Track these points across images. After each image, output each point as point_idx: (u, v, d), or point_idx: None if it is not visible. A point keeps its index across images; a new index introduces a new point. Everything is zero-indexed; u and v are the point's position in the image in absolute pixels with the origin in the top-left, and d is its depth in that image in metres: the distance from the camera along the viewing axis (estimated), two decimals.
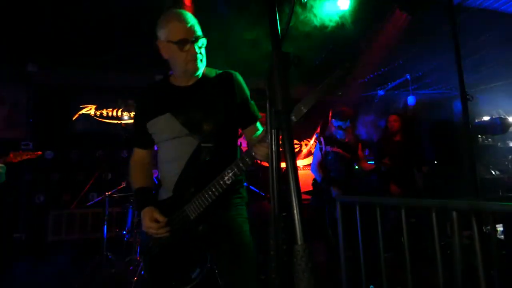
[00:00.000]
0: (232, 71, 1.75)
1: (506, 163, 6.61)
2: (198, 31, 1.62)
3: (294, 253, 0.79)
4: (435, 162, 5.56)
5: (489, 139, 6.93)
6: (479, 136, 6.73)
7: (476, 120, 6.73)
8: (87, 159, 5.27)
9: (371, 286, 2.63)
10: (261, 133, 1.53)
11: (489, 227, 1.92)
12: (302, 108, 1.25)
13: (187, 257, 1.63)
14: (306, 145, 6.79)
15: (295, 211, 0.75)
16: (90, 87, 5.48)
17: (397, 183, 4.08)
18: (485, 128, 6.39)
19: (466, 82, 2.84)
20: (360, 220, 2.43)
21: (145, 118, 1.72)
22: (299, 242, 0.77)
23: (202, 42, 1.64)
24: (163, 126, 1.67)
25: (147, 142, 1.78)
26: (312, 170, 3.90)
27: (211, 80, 1.70)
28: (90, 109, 5.50)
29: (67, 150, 5.26)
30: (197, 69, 1.65)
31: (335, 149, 3.70)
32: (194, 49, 1.59)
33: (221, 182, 1.51)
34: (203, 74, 1.72)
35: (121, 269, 3.83)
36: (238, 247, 1.62)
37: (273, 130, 0.82)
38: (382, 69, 5.54)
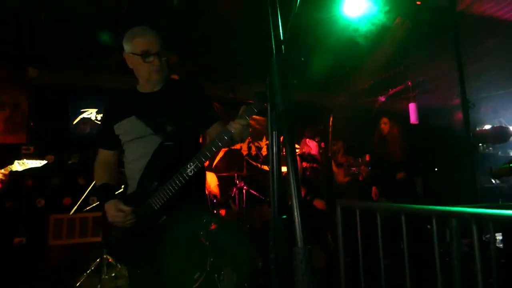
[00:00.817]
0: (193, 79, 1.98)
1: None
2: (160, 45, 1.79)
3: (294, 255, 0.79)
4: (435, 169, 5.55)
5: (490, 148, 6.91)
6: (480, 144, 6.72)
7: (477, 129, 6.73)
8: (88, 163, 5.27)
9: None
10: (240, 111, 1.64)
11: (488, 236, 1.92)
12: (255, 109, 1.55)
13: (154, 246, 1.71)
14: None
15: (296, 213, 0.75)
16: (91, 91, 5.49)
17: (393, 188, 4.15)
18: (486, 136, 6.38)
19: (467, 90, 2.85)
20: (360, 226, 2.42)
21: (112, 121, 1.88)
22: (299, 244, 0.77)
23: (164, 55, 1.81)
24: (129, 128, 1.82)
25: (113, 143, 1.93)
26: None
27: (174, 87, 1.90)
28: (90, 113, 5.51)
29: (67, 154, 5.25)
30: (159, 79, 1.83)
31: (310, 164, 3.93)
32: (157, 61, 1.77)
33: (184, 174, 1.65)
34: (167, 81, 1.90)
35: (122, 272, 3.84)
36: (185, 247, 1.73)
37: (274, 132, 0.82)
38: (383, 75, 5.56)
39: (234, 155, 6.15)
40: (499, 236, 3.41)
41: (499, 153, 6.97)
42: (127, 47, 1.81)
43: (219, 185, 4.96)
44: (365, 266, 2.22)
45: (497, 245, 3.08)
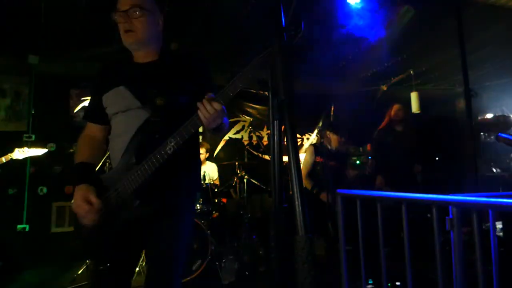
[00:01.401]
0: (194, 52, 1.73)
1: (508, 161, 6.58)
2: (137, 2, 1.53)
3: (295, 244, 0.79)
4: (436, 158, 5.55)
5: (491, 137, 6.89)
6: (481, 133, 6.69)
7: (479, 117, 6.70)
8: None
9: (370, 280, 2.65)
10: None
11: (487, 224, 1.92)
12: (230, 93, 1.34)
13: (127, 234, 1.52)
14: (307, 139, 6.79)
15: (296, 202, 0.75)
16: (91, 79, 5.45)
17: (397, 177, 4.16)
18: (488, 125, 6.36)
19: (470, 79, 2.83)
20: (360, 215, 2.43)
21: (101, 91, 1.68)
22: (300, 233, 0.77)
23: (137, 12, 1.52)
24: (116, 98, 1.62)
25: (101, 117, 1.71)
26: None
27: (171, 58, 1.67)
28: None
29: (69, 143, 5.26)
30: (130, 42, 1.59)
31: (323, 159, 3.97)
32: (122, 19, 1.53)
33: (162, 152, 1.43)
34: (164, 52, 1.69)
35: None
36: (169, 232, 1.53)
37: (275, 121, 0.81)
38: (385, 64, 5.51)
39: (235, 145, 6.17)
40: (499, 225, 3.43)
41: None
42: None
43: (220, 174, 4.98)
44: (366, 254, 2.24)
45: (496, 233, 3.09)
